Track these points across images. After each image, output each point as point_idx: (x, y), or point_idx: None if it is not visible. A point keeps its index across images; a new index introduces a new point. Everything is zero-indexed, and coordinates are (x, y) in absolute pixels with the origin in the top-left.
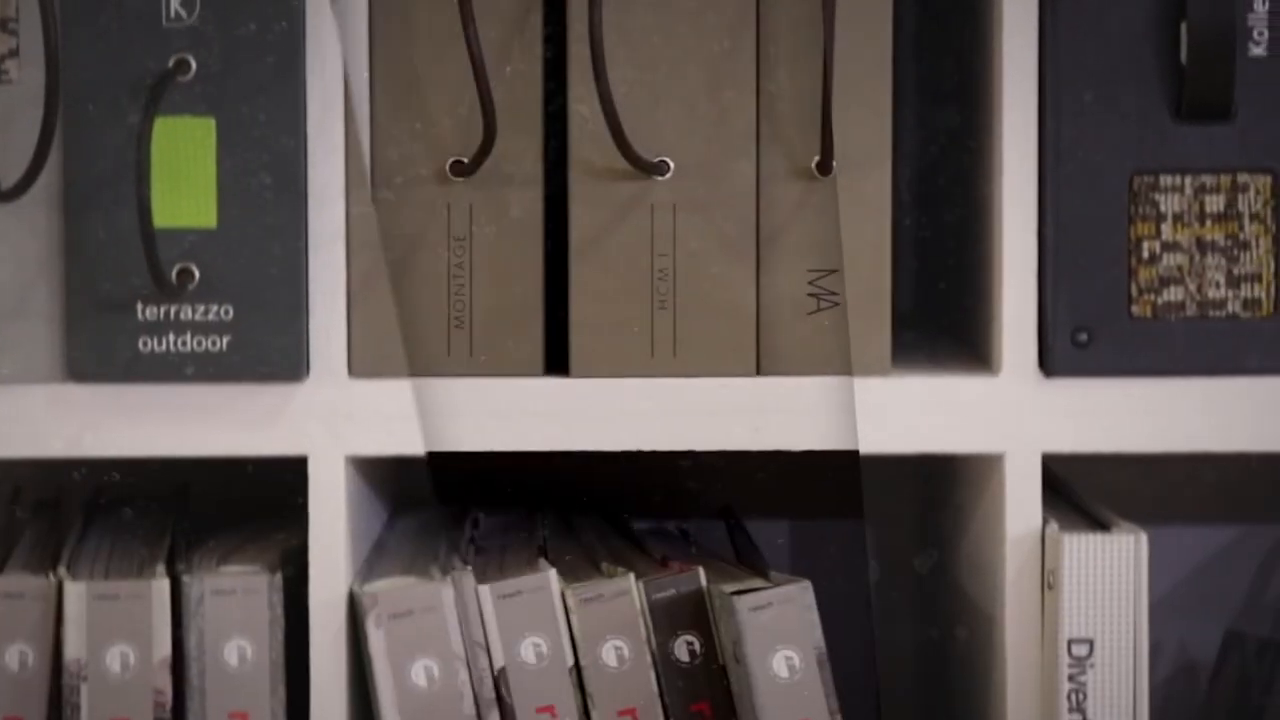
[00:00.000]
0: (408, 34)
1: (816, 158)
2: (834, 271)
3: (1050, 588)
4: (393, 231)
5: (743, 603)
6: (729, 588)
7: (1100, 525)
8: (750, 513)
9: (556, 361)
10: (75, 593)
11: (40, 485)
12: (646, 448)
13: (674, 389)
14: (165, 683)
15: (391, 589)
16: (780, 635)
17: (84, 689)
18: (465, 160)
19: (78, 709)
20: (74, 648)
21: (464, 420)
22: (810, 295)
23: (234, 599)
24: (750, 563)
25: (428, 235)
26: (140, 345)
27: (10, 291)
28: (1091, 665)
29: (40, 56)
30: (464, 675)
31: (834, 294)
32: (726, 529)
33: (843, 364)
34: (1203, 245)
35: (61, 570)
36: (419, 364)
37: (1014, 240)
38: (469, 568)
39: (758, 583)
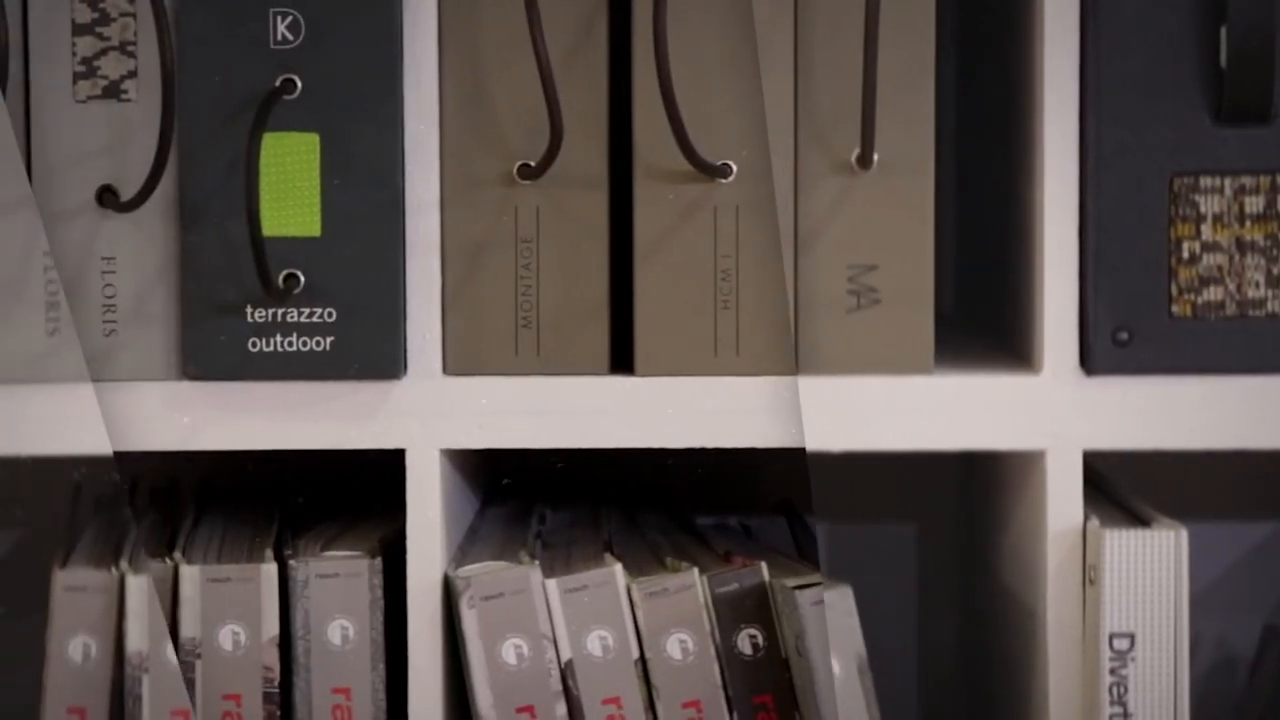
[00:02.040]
0: (475, 40)
1: (857, 150)
2: (873, 268)
3: (1091, 583)
4: (462, 233)
5: (805, 597)
6: (791, 582)
7: (1141, 521)
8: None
9: (621, 360)
10: (190, 576)
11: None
12: (710, 445)
13: (737, 387)
14: (273, 660)
15: (483, 573)
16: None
17: (145, 680)
18: (532, 163)
19: (139, 700)
20: (187, 627)
21: (531, 418)
22: (850, 293)
23: (338, 581)
24: (812, 557)
25: (496, 237)
26: (250, 346)
27: (130, 296)
28: (1133, 659)
29: (157, 77)
30: (551, 654)
31: (874, 291)
32: (788, 524)
33: (885, 363)
34: (1242, 245)
35: (177, 554)
36: (487, 363)
37: (1055, 240)
38: (536, 562)
39: (819, 577)
